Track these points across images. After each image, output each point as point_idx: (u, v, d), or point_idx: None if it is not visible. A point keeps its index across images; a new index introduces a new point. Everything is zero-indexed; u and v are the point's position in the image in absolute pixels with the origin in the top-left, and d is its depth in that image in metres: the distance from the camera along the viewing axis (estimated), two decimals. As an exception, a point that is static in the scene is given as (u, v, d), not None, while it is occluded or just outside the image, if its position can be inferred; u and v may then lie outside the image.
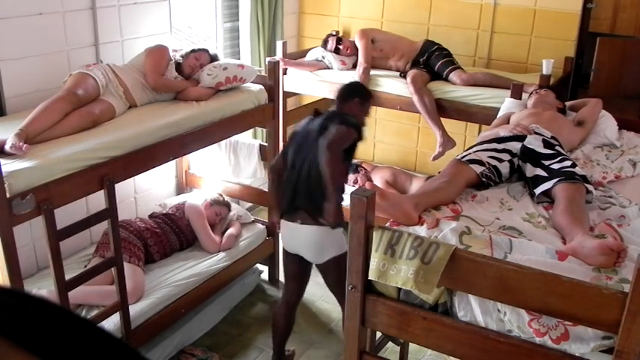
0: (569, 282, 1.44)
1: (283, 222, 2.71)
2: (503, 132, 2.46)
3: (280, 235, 2.82)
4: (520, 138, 2.33)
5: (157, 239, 3.18)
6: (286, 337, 2.95)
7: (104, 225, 2.65)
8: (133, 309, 2.75)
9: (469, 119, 3.74)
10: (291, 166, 2.65)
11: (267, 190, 3.68)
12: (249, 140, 3.82)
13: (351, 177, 4.30)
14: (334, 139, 2.42)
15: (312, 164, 2.53)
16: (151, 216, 3.37)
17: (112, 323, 2.66)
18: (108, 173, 2.47)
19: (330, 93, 4.13)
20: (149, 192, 3.70)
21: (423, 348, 2.54)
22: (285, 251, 2.79)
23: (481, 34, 4.15)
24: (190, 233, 3.35)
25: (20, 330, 0.39)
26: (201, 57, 3.17)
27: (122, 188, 3.17)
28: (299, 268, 2.78)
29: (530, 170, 2.17)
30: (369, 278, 1.70)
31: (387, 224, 1.82)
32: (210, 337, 3.27)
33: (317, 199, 2.52)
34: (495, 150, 2.25)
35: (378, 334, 2.36)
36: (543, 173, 2.12)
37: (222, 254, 3.36)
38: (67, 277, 2.40)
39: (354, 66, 3.98)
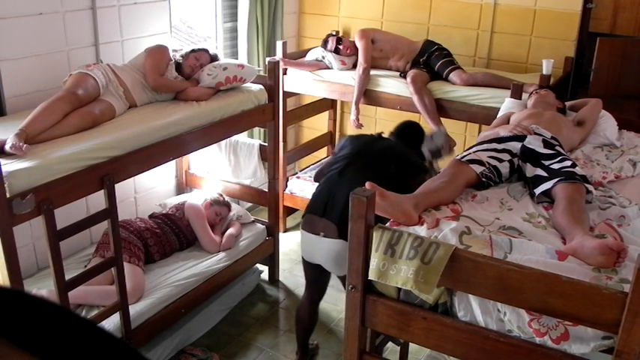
0: (569, 282, 1.44)
1: (304, 233, 2.68)
2: (503, 132, 2.46)
3: (301, 244, 2.77)
4: (520, 138, 2.32)
5: (157, 239, 3.18)
6: (311, 332, 3.01)
7: (104, 225, 2.65)
8: (133, 309, 2.76)
9: (469, 119, 3.74)
10: (339, 173, 2.62)
11: (266, 190, 3.71)
12: (249, 140, 3.82)
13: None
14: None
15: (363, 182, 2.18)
16: (151, 216, 3.37)
17: (112, 323, 2.66)
18: (108, 173, 2.47)
19: (330, 93, 4.14)
20: (149, 192, 3.70)
21: (423, 348, 2.54)
22: (304, 260, 2.77)
23: (481, 34, 4.15)
24: (190, 233, 3.35)
25: (20, 330, 0.39)
26: (201, 57, 3.17)
27: (122, 188, 3.17)
28: (320, 276, 2.79)
29: (530, 170, 2.17)
30: (369, 278, 1.70)
31: (387, 224, 1.82)
32: (210, 337, 3.27)
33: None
34: (495, 150, 2.25)
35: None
36: (543, 173, 2.12)
37: (222, 254, 3.36)
38: (67, 277, 2.40)
39: (354, 66, 3.98)
